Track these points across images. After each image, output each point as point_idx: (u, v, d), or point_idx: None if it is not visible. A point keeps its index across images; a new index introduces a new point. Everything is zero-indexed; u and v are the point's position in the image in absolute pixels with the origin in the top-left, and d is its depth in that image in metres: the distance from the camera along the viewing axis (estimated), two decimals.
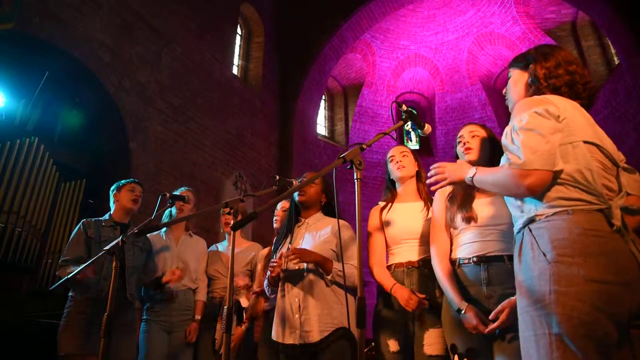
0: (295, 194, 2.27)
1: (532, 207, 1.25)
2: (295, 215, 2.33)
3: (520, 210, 1.30)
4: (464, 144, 1.94)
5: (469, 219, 1.82)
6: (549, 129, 1.22)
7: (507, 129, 1.32)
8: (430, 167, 1.63)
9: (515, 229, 1.33)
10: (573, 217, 1.16)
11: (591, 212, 1.17)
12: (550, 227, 1.18)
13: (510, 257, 1.65)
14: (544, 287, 1.14)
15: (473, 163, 1.78)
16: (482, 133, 1.96)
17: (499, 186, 1.34)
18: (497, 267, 1.72)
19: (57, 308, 2.67)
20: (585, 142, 1.24)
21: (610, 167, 1.26)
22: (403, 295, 1.96)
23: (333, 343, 1.97)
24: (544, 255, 1.16)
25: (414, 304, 1.91)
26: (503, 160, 1.36)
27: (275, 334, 2.13)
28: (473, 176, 1.43)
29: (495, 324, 1.61)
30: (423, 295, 1.94)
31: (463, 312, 1.71)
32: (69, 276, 2.39)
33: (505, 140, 1.31)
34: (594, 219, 1.16)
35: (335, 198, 2.21)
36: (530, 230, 1.23)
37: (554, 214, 1.19)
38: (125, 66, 5.04)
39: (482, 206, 1.84)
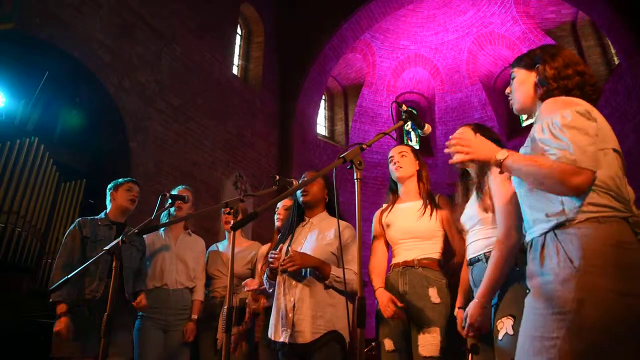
0: (299, 195, 2.26)
1: (560, 212, 1.21)
2: (298, 215, 2.33)
3: (544, 214, 1.25)
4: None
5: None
6: (593, 130, 1.19)
7: (543, 125, 1.25)
8: (450, 137, 1.43)
9: (535, 232, 1.28)
10: (605, 226, 1.14)
11: (620, 222, 1.15)
12: (580, 235, 1.15)
13: (488, 255, 1.75)
14: (568, 295, 1.11)
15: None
16: (470, 134, 1.96)
17: (539, 177, 1.20)
18: (477, 268, 1.80)
19: None
20: (613, 149, 1.23)
21: (624, 176, 1.25)
22: (382, 300, 2.05)
23: (324, 346, 1.97)
24: (571, 262, 1.13)
25: (390, 313, 1.99)
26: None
27: (270, 330, 2.14)
28: (504, 159, 1.28)
29: (464, 332, 1.78)
30: (401, 305, 2.01)
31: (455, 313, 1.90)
32: (69, 276, 2.37)
33: (543, 135, 1.23)
34: (625, 230, 1.14)
35: (336, 199, 2.21)
36: (556, 235, 1.20)
37: (585, 220, 1.16)
38: (125, 66, 5.04)
39: (465, 211, 1.95)
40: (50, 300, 2.50)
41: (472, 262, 1.84)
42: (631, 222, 1.15)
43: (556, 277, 1.15)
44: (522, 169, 1.26)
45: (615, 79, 6.81)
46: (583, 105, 1.25)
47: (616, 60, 7.20)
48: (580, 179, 1.13)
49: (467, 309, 1.71)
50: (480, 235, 1.82)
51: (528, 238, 1.33)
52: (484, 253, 1.78)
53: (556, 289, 1.14)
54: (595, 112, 1.25)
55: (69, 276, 2.36)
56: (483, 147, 1.36)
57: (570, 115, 1.21)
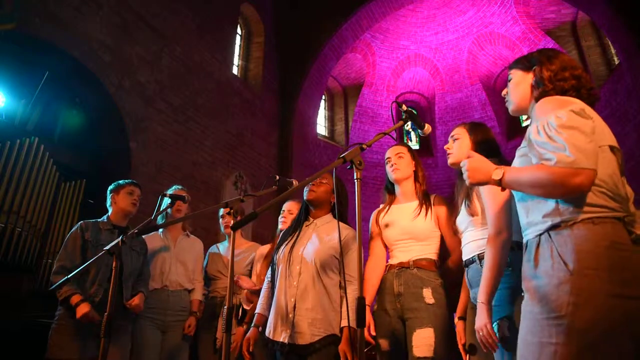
0: (305, 191, 2.26)
1: (555, 213, 1.21)
2: (306, 214, 2.32)
3: (541, 216, 1.25)
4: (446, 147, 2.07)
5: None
6: (590, 128, 1.18)
7: (539, 126, 1.24)
8: (461, 164, 1.53)
9: (530, 234, 1.29)
10: (598, 227, 1.14)
11: (614, 223, 1.14)
12: (574, 237, 1.15)
13: (480, 256, 1.79)
14: (563, 298, 1.11)
15: (453, 166, 1.96)
16: (464, 136, 1.98)
17: (539, 186, 1.21)
18: (472, 269, 1.85)
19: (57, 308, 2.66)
20: (610, 147, 1.22)
21: (622, 173, 1.24)
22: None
23: (323, 348, 1.95)
24: (565, 265, 1.13)
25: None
26: (516, 162, 1.37)
27: (268, 329, 2.11)
28: (502, 177, 1.31)
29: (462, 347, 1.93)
30: (374, 334, 2.12)
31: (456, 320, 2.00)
32: (67, 277, 2.38)
33: (539, 138, 1.23)
34: (618, 231, 1.13)
35: (339, 200, 2.19)
36: (550, 236, 1.20)
37: (579, 221, 1.15)
38: (125, 66, 5.04)
39: (460, 213, 1.99)
40: (61, 297, 2.49)
41: (466, 264, 1.88)
42: (626, 221, 1.15)
43: (550, 280, 1.15)
44: (521, 182, 1.26)
45: (615, 79, 6.81)
46: (577, 103, 1.25)
47: (616, 60, 7.19)
48: (580, 179, 1.12)
49: (476, 325, 1.63)
50: (472, 237, 1.86)
51: (524, 240, 1.33)
52: (477, 254, 1.81)
53: (551, 293, 1.14)
54: (589, 110, 1.25)
55: (69, 276, 2.36)
56: (479, 171, 1.38)
57: (565, 115, 1.20)
